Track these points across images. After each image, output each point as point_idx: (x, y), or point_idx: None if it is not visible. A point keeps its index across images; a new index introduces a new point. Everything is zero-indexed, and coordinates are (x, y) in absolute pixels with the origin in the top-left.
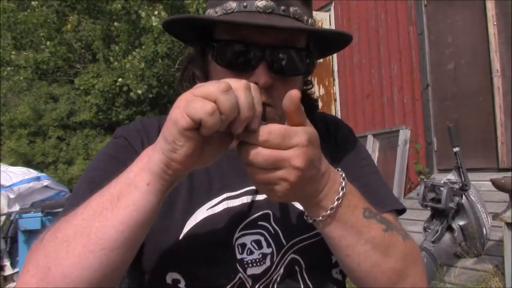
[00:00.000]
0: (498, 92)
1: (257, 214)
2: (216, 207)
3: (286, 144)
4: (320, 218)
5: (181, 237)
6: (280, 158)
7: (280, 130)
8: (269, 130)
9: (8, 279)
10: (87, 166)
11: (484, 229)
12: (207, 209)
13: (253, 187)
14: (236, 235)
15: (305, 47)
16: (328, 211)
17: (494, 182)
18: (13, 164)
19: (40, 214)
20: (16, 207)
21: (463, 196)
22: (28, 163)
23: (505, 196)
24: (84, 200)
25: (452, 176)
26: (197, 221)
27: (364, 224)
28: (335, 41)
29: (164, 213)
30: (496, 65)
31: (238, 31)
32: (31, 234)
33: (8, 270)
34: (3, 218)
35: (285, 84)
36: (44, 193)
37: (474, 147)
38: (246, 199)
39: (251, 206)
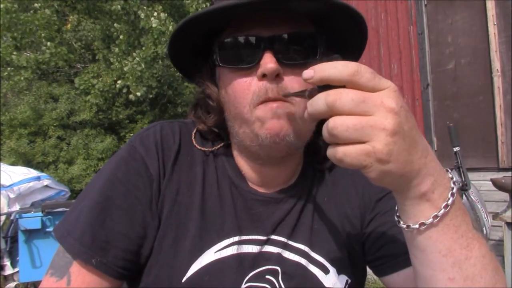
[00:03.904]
0: (498, 92)
1: (265, 267)
2: (225, 250)
3: (375, 84)
4: (431, 220)
5: (184, 280)
6: (368, 97)
7: (368, 68)
8: (357, 68)
9: (8, 278)
10: (97, 176)
11: (484, 229)
12: (215, 252)
13: (264, 237)
14: (243, 286)
15: (312, 34)
16: (442, 210)
17: (494, 182)
18: (13, 164)
19: (40, 214)
20: (16, 207)
21: (463, 196)
22: (28, 163)
23: (505, 196)
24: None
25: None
26: (202, 265)
27: (474, 236)
28: (345, 28)
29: (168, 247)
30: (496, 65)
31: (240, 29)
32: (31, 234)
33: (8, 270)
34: (3, 217)
35: (297, 75)
36: (44, 192)
37: (474, 147)
38: (256, 248)
39: (260, 257)
